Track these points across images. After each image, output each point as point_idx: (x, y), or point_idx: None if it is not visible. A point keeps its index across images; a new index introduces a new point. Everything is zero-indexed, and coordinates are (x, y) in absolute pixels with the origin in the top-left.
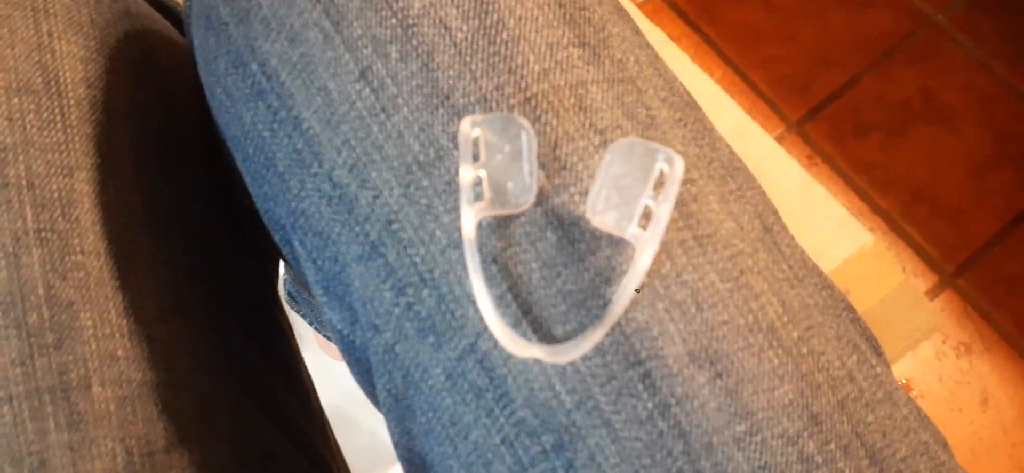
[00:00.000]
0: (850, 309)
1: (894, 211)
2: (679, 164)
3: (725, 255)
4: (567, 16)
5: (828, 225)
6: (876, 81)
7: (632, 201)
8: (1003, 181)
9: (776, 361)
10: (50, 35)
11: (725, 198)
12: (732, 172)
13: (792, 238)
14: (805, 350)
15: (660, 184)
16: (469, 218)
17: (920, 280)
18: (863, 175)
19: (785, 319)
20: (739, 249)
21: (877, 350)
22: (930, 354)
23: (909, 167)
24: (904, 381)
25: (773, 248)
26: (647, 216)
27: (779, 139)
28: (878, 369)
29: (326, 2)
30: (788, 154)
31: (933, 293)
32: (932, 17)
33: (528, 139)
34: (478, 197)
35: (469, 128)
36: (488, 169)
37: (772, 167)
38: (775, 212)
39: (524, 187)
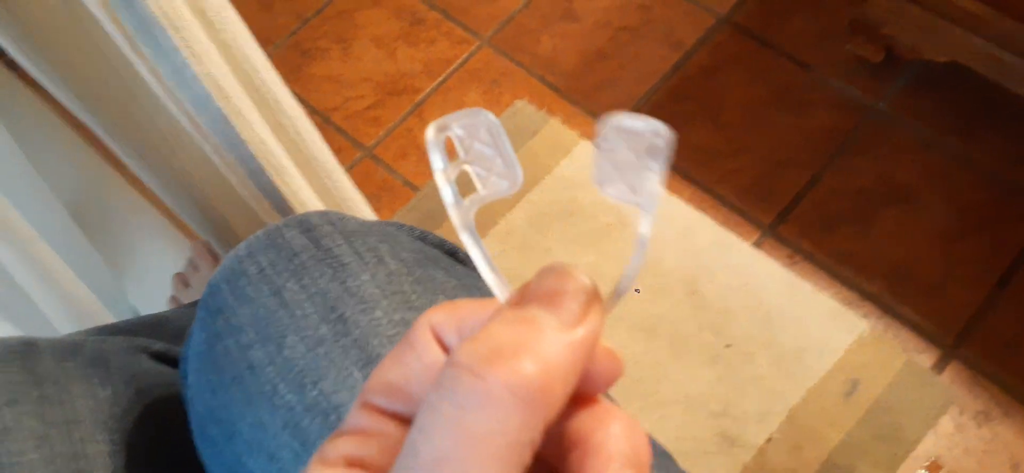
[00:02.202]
0: None
1: (883, 294)
2: (665, 134)
3: None
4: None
5: (822, 319)
6: (835, 175)
7: (630, 174)
8: (976, 248)
9: None
10: (82, 441)
11: None
12: None
13: None
14: None
15: (652, 154)
16: (466, 212)
17: (923, 357)
18: (845, 265)
19: None
20: None
21: None
22: (950, 428)
23: (884, 250)
24: (932, 460)
25: None
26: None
27: (757, 245)
28: None
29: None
30: (769, 258)
31: (939, 367)
32: (873, 105)
33: (498, 125)
34: (469, 189)
35: (434, 133)
36: (471, 162)
37: (756, 272)
38: None
39: (512, 168)
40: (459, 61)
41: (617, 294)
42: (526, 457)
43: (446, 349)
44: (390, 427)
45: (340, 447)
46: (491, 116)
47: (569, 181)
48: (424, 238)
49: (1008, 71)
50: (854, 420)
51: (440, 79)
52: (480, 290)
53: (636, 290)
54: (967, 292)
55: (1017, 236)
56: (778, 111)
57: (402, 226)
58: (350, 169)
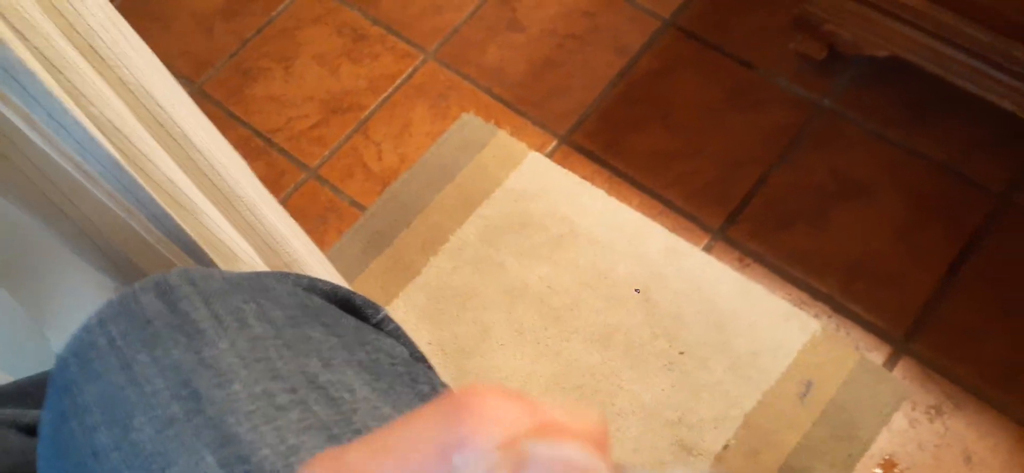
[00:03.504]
0: None
1: (835, 293)
2: None
3: None
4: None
5: (774, 321)
6: (786, 173)
7: None
8: (929, 238)
9: None
10: None
11: None
12: None
13: None
14: None
15: None
16: None
17: (875, 354)
18: (797, 265)
19: None
20: None
21: None
22: (904, 424)
23: (839, 246)
24: (887, 458)
25: None
26: None
27: (707, 249)
28: None
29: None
30: (719, 262)
31: (891, 363)
32: (820, 102)
33: None
34: None
35: None
36: None
37: (707, 277)
38: None
39: None
40: (404, 76)
41: None
42: None
43: None
44: None
45: None
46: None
47: (520, 193)
48: (313, 288)
49: (948, 63)
50: (810, 422)
51: (385, 95)
52: (364, 346)
53: (636, 290)
54: (921, 283)
55: (966, 225)
56: (726, 112)
57: (287, 276)
58: (294, 191)
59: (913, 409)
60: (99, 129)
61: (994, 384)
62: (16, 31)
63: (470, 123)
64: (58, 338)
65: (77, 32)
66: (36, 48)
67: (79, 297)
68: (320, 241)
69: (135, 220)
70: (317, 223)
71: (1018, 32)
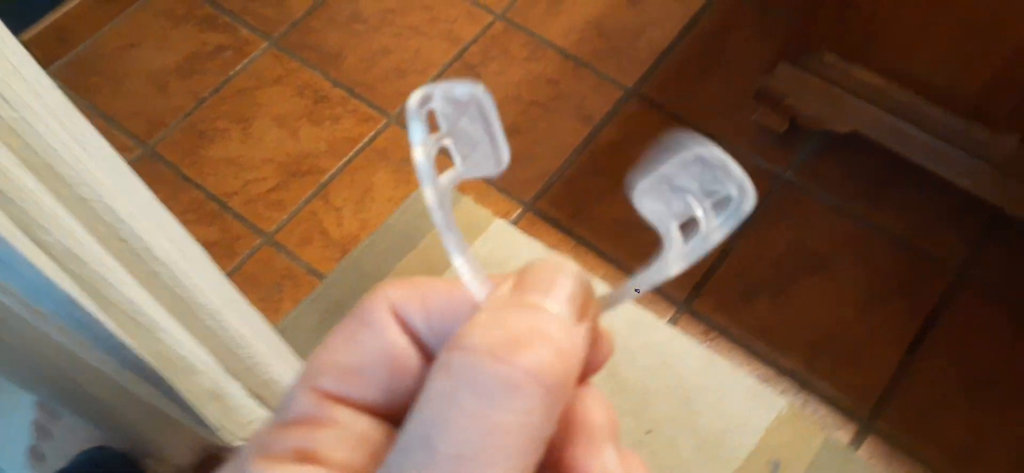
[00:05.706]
0: None
1: (799, 368)
2: (750, 197)
3: None
4: None
5: (740, 397)
6: (749, 244)
7: (682, 203)
8: (890, 312)
9: None
10: None
11: None
12: None
13: None
14: None
15: (720, 206)
16: (442, 192)
17: (841, 432)
18: (761, 338)
19: None
20: None
21: None
22: None
23: (802, 320)
24: None
25: None
26: (689, 227)
27: (673, 322)
28: None
29: None
30: (685, 335)
31: (856, 442)
32: (782, 174)
33: (489, 102)
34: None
35: (417, 104)
36: (454, 138)
37: (673, 351)
38: None
39: (498, 150)
40: (365, 140)
41: (614, 299)
42: (542, 450)
43: (409, 331)
44: (342, 414)
45: (287, 439)
46: (482, 91)
47: (484, 261)
48: None
49: (906, 140)
50: None
51: (346, 159)
52: None
53: (636, 290)
54: (883, 360)
55: (926, 300)
56: None
57: None
58: (249, 258)
59: None
60: (53, 259)
61: (957, 464)
62: None
63: None
64: None
65: (35, 153)
66: None
67: (7, 395)
68: (275, 310)
69: (89, 353)
70: (271, 291)
71: (975, 112)
